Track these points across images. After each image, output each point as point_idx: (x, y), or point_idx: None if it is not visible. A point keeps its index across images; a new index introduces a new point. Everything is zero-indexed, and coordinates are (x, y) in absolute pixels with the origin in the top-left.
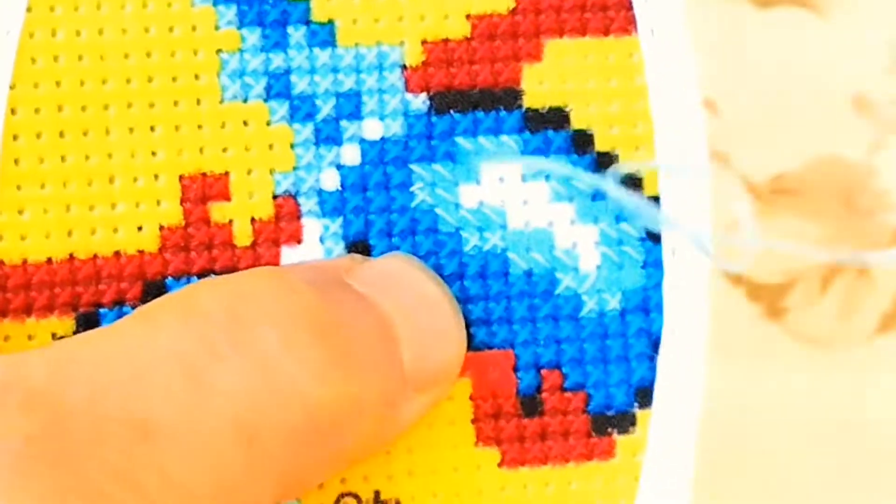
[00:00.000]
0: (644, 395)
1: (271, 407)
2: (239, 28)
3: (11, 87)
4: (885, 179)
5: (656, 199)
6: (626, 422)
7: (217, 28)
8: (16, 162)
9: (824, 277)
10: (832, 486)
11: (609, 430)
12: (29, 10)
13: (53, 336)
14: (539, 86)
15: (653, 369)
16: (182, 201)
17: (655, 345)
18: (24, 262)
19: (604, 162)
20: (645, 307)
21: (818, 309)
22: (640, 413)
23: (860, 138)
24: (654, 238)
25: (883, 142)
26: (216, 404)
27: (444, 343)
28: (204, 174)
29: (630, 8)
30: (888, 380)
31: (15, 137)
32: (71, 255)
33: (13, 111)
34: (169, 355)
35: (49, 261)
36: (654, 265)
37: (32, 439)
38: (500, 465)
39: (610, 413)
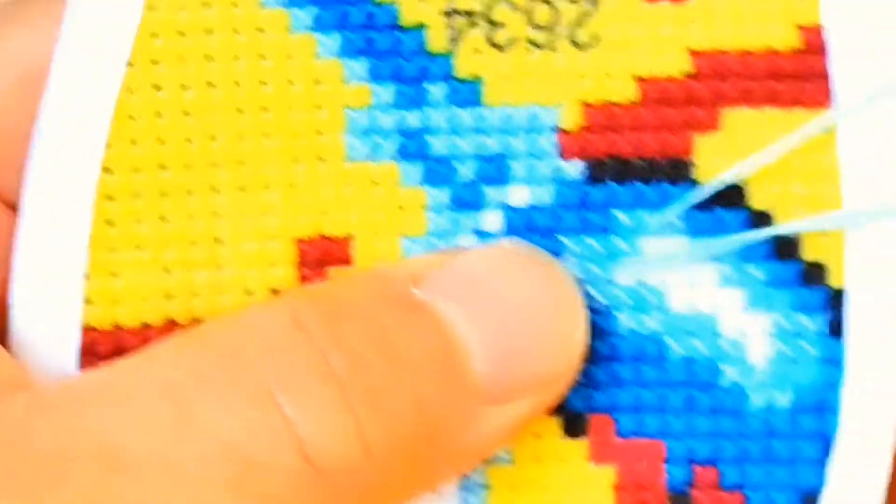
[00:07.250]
0: (809, 503)
1: (264, 447)
2: (370, 83)
3: (107, 147)
4: None
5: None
6: None
7: (345, 82)
8: (109, 223)
9: None
10: None
11: None
12: (130, 65)
13: None
14: (713, 159)
15: (821, 475)
16: (297, 265)
17: (827, 448)
18: (116, 326)
19: (783, 247)
20: (819, 407)
21: None
22: None
23: None
24: (835, 332)
25: None
26: (202, 439)
27: (535, 351)
28: (324, 237)
29: (827, 77)
30: None
31: (110, 198)
32: (170, 320)
33: (108, 170)
34: (157, 385)
35: (145, 325)
36: (832, 362)
37: None
38: None
39: None
